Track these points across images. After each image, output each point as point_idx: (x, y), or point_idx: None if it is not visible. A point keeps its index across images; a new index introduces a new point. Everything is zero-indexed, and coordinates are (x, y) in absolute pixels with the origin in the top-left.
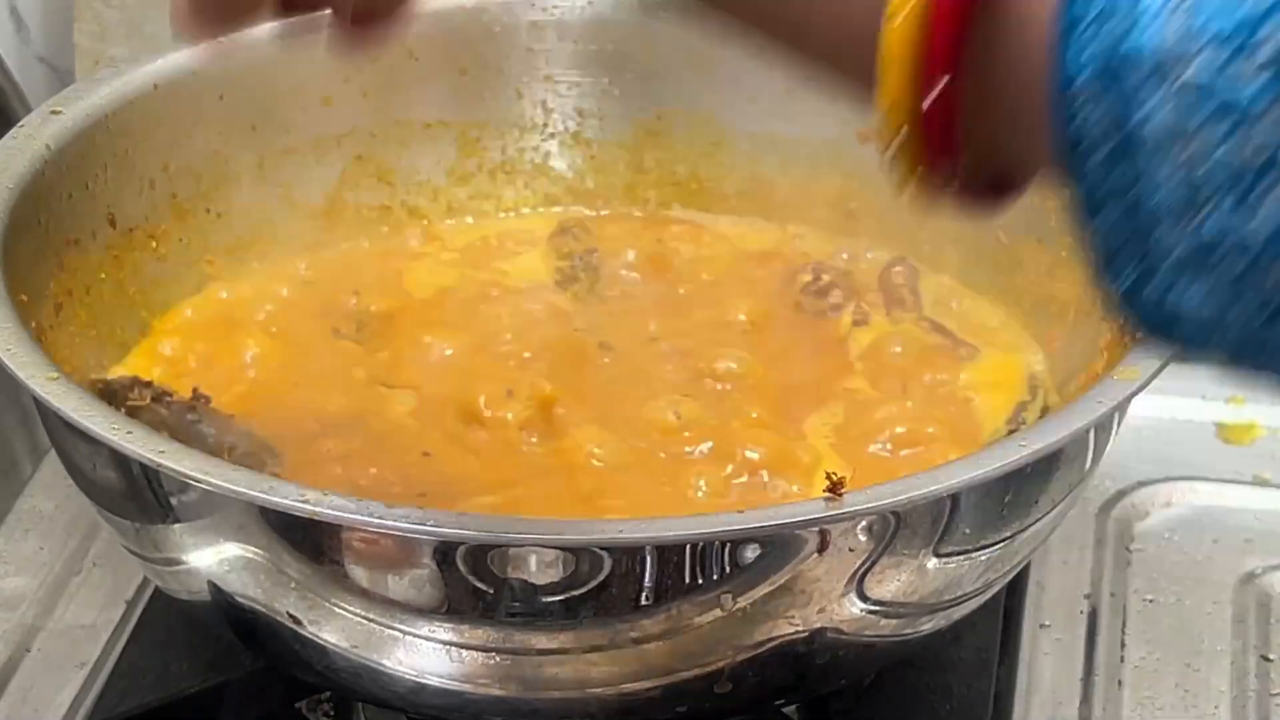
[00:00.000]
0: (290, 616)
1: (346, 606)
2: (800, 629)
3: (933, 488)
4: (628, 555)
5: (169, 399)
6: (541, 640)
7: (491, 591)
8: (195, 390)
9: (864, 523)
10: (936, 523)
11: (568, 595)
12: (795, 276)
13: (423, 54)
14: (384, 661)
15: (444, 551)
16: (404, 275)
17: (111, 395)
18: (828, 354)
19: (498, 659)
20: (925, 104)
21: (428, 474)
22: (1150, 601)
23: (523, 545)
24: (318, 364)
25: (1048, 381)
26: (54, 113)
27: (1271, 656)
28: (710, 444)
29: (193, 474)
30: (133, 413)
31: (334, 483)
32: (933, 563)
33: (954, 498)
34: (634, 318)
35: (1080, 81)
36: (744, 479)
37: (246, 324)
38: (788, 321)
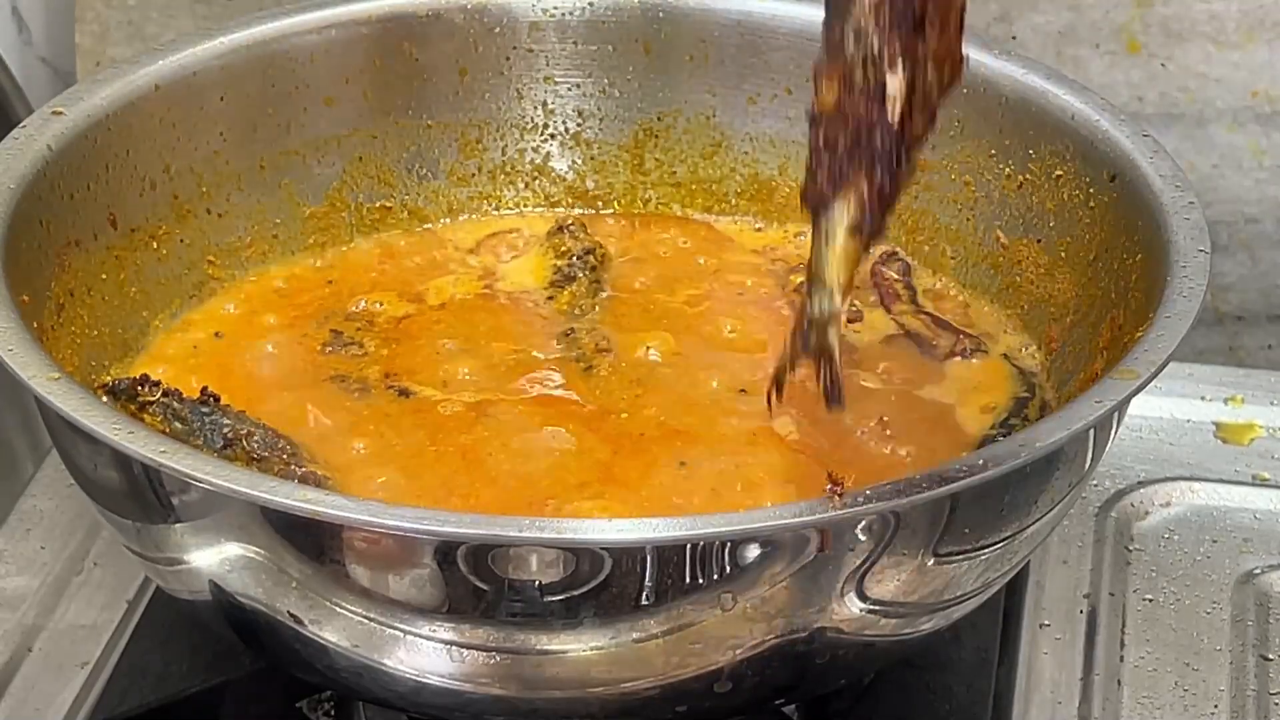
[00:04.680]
0: (291, 616)
1: (347, 606)
2: (800, 629)
3: (933, 488)
4: (628, 555)
5: (179, 396)
6: (541, 640)
7: (491, 591)
8: (204, 389)
9: (864, 523)
10: (936, 523)
11: (568, 595)
12: (789, 276)
13: (423, 54)
14: (385, 661)
15: (444, 551)
16: (404, 276)
17: (120, 394)
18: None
19: (498, 659)
20: None
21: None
22: (1149, 601)
23: (523, 545)
24: (317, 364)
25: (1044, 380)
26: (55, 113)
27: (1270, 656)
28: (705, 447)
29: (194, 474)
30: (144, 408)
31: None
32: (932, 563)
33: (954, 498)
34: (631, 318)
35: None
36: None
37: (246, 324)
38: (781, 321)
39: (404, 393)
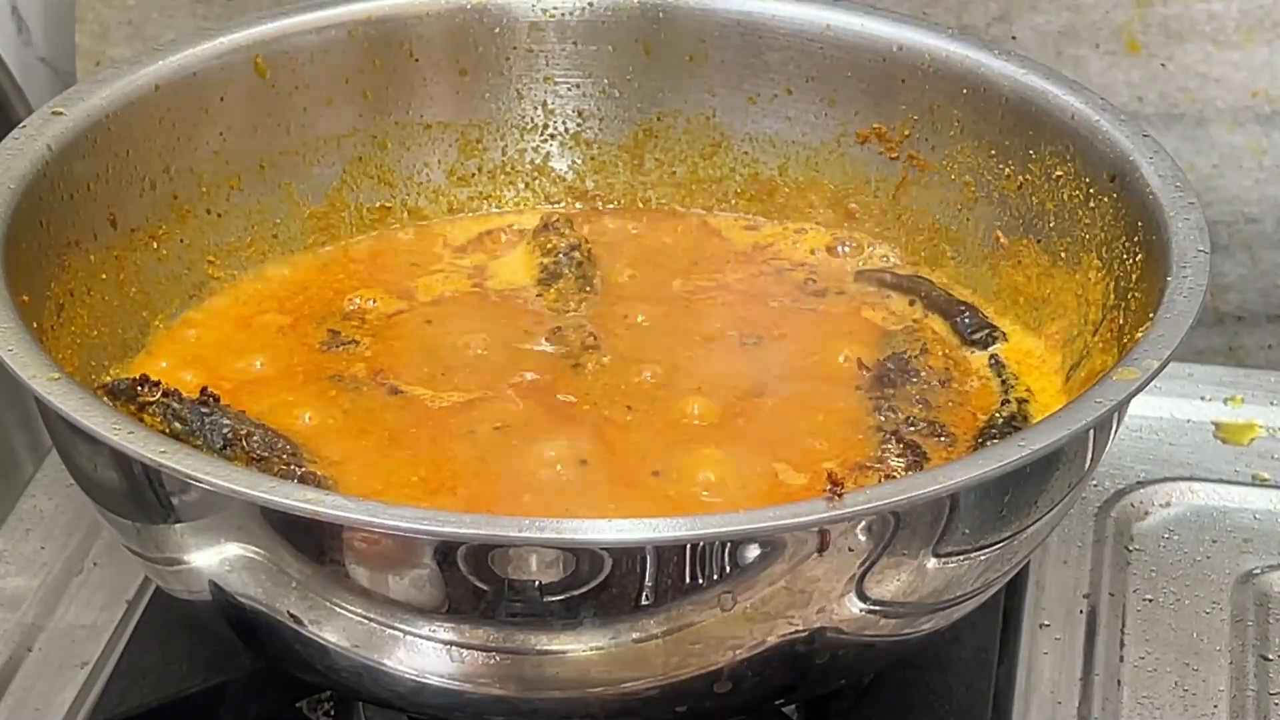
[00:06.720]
0: (291, 616)
1: (347, 606)
2: (800, 629)
3: (932, 488)
4: (628, 555)
5: (178, 396)
6: (541, 640)
7: (491, 591)
8: (204, 389)
9: (864, 523)
10: (936, 523)
11: (568, 595)
12: (789, 275)
13: (423, 54)
14: (385, 661)
15: (444, 551)
16: (396, 273)
17: (120, 394)
18: (819, 352)
19: (498, 659)
20: None
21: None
22: (1149, 601)
23: (523, 545)
24: (316, 364)
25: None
26: (55, 114)
27: (1270, 656)
28: (692, 444)
29: (194, 474)
30: (144, 408)
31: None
32: (932, 563)
33: (954, 498)
34: (621, 315)
35: None
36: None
37: (246, 325)
38: (771, 317)
39: (394, 390)
